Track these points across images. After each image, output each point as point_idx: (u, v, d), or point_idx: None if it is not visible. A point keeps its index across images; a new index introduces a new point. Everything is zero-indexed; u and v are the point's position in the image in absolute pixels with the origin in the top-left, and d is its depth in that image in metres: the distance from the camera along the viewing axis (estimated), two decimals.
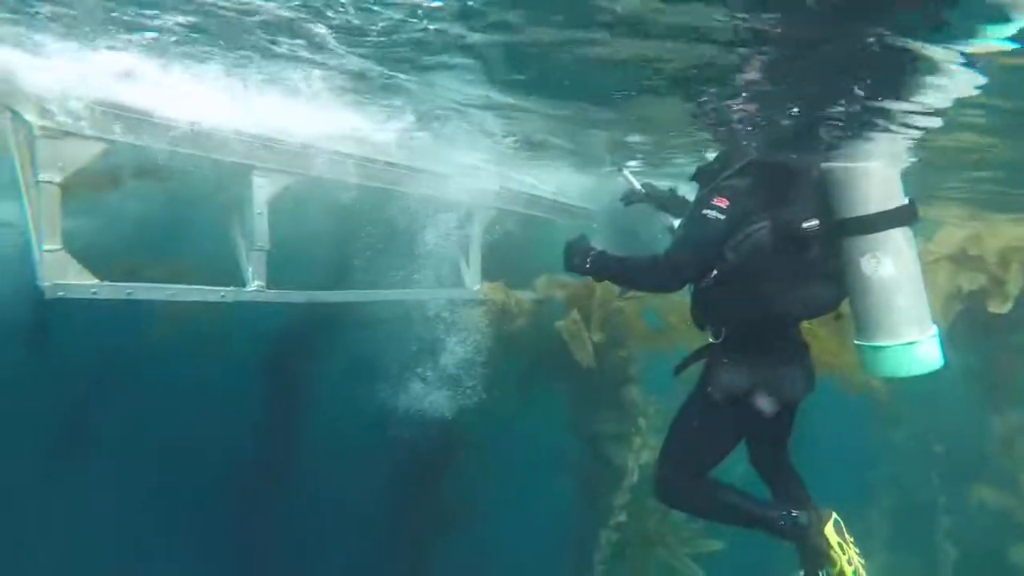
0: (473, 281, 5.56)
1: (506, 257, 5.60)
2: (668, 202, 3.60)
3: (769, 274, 2.72)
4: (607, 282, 3.18)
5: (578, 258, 2.93)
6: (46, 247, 3.08)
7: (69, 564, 6.36)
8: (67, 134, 3.13)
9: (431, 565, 7.30)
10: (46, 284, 3.10)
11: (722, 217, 2.68)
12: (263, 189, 4.05)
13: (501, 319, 5.70)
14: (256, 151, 3.96)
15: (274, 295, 4.19)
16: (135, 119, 3.36)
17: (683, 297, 3.10)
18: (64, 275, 3.14)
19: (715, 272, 2.76)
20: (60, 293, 3.14)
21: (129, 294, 3.43)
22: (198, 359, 6.43)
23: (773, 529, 2.97)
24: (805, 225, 2.64)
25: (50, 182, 3.08)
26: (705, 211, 2.72)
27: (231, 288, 4.00)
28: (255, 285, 4.10)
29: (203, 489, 7.05)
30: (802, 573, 3.06)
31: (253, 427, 7.67)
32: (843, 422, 7.43)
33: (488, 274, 5.57)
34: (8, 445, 5.85)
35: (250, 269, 4.12)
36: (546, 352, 6.34)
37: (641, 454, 6.62)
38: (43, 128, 3.04)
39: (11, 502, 6.04)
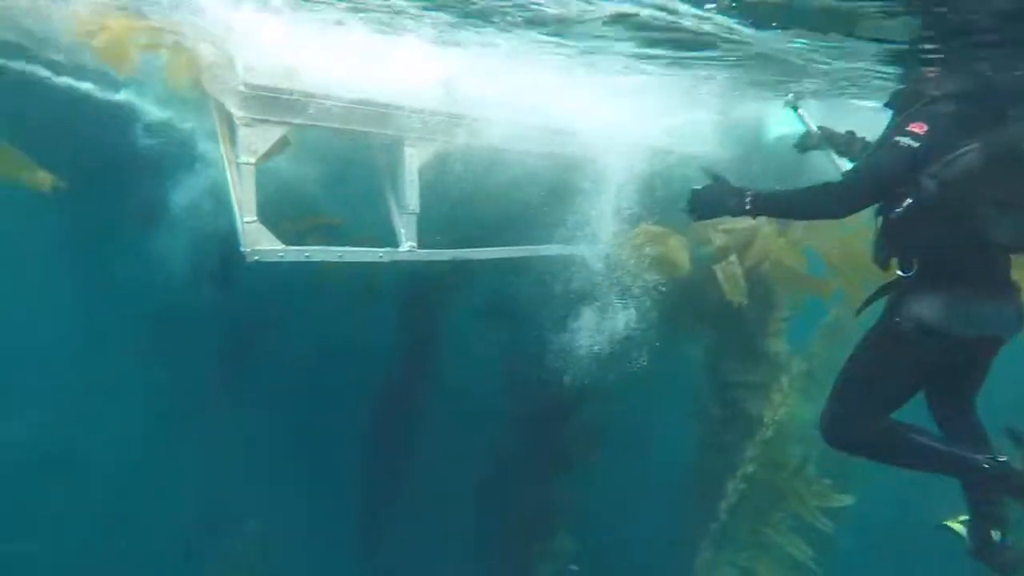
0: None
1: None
2: (848, 146, 3.41)
3: (977, 200, 2.54)
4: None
5: (732, 199, 2.85)
6: (246, 219, 3.68)
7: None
8: (258, 121, 3.67)
9: (555, 502, 7.77)
10: (246, 250, 3.71)
11: (915, 144, 2.57)
12: (414, 158, 4.47)
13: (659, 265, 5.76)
14: (408, 123, 4.36)
15: (424, 254, 4.66)
16: (304, 102, 3.83)
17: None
18: (259, 242, 3.74)
19: (909, 200, 2.63)
20: (256, 258, 3.75)
21: (307, 257, 4.01)
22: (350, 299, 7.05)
23: (974, 472, 2.77)
24: None
25: (247, 163, 3.65)
26: (897, 137, 2.62)
27: (388, 249, 4.50)
28: (407, 246, 4.58)
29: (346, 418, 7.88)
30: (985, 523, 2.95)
31: (393, 363, 8.39)
32: None
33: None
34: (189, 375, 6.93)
35: (403, 231, 4.60)
36: (693, 296, 6.32)
37: (779, 410, 6.62)
38: (240, 118, 3.58)
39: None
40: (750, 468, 6.70)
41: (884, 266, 2.88)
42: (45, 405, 6.76)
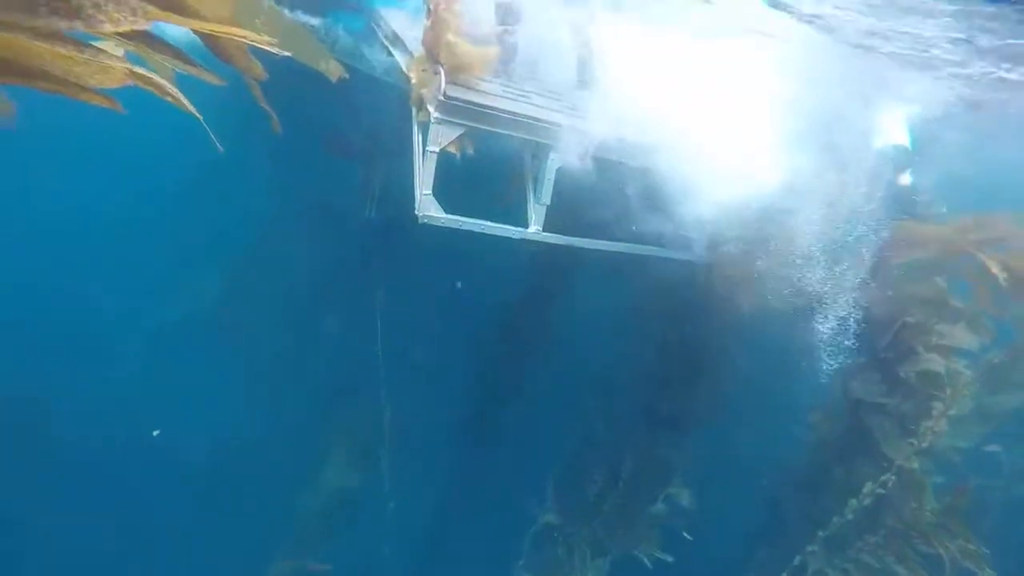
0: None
1: None
2: None
3: None
4: None
5: None
6: (423, 191, 5.01)
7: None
8: (443, 121, 4.94)
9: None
10: (420, 214, 5.05)
11: None
12: (555, 161, 5.62)
13: None
14: (554, 133, 5.50)
15: (548, 236, 5.84)
16: (480, 111, 5.05)
17: None
18: (429, 210, 5.07)
19: None
20: (425, 220, 5.08)
21: (460, 225, 5.30)
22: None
23: None
24: None
25: (432, 151, 4.95)
26: None
27: (520, 228, 5.73)
28: (534, 228, 5.78)
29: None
30: None
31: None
32: None
33: None
34: None
35: (533, 216, 5.79)
36: None
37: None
38: (436, 118, 4.87)
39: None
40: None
41: None
42: None
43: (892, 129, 6.10)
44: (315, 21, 7.57)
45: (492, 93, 5.24)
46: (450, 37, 4.86)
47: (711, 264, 6.97)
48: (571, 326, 9.59)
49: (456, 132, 5.02)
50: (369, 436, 10.29)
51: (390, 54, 6.72)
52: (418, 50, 5.32)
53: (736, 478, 8.98)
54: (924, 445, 6.80)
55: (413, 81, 5.42)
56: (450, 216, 5.23)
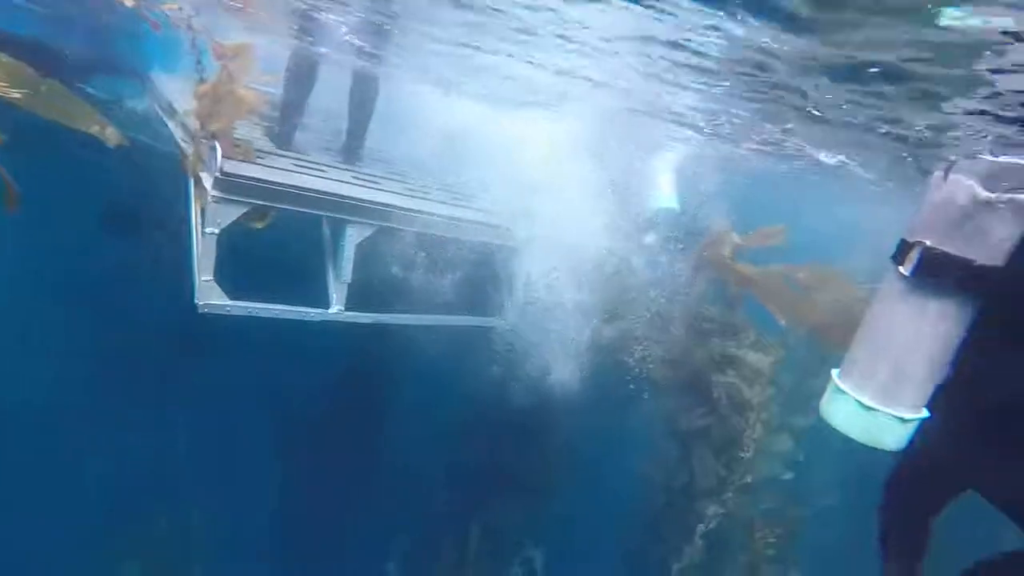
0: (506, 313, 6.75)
1: None
2: None
3: None
4: None
5: None
6: (203, 278, 4.49)
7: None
8: (221, 200, 4.51)
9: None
10: (200, 303, 4.51)
11: None
12: (352, 237, 5.37)
13: None
14: (350, 208, 5.27)
15: (351, 316, 5.52)
16: (273, 190, 4.71)
17: None
18: (210, 298, 4.55)
19: None
20: (207, 310, 4.54)
21: (249, 312, 4.82)
22: None
23: None
24: None
25: (212, 232, 4.48)
26: None
27: (319, 310, 5.35)
28: (336, 308, 5.43)
29: None
30: None
31: None
32: None
33: None
34: None
35: (335, 295, 5.45)
36: None
37: None
38: (213, 196, 4.43)
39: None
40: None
41: None
42: None
43: (663, 190, 6.70)
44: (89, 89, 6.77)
45: (277, 168, 4.92)
46: (238, 90, 4.49)
47: (519, 328, 7.05)
48: (396, 401, 9.22)
49: (238, 211, 4.60)
50: (176, 554, 8.94)
51: (166, 125, 6.15)
52: (191, 121, 4.88)
53: (585, 534, 9.01)
54: (741, 478, 7.26)
55: (189, 155, 4.95)
56: (236, 303, 4.74)
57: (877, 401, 2.23)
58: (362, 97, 6.10)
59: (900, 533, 2.90)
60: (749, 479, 7.30)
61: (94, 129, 5.28)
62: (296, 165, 5.26)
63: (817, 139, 4.14)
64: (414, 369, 8.63)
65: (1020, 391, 2.35)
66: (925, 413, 2.29)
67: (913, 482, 2.84)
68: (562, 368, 6.87)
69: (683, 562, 7.49)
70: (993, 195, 2.04)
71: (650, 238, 6.67)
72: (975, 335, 2.22)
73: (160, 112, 6.35)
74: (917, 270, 2.14)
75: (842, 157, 4.53)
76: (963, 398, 2.49)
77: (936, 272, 2.11)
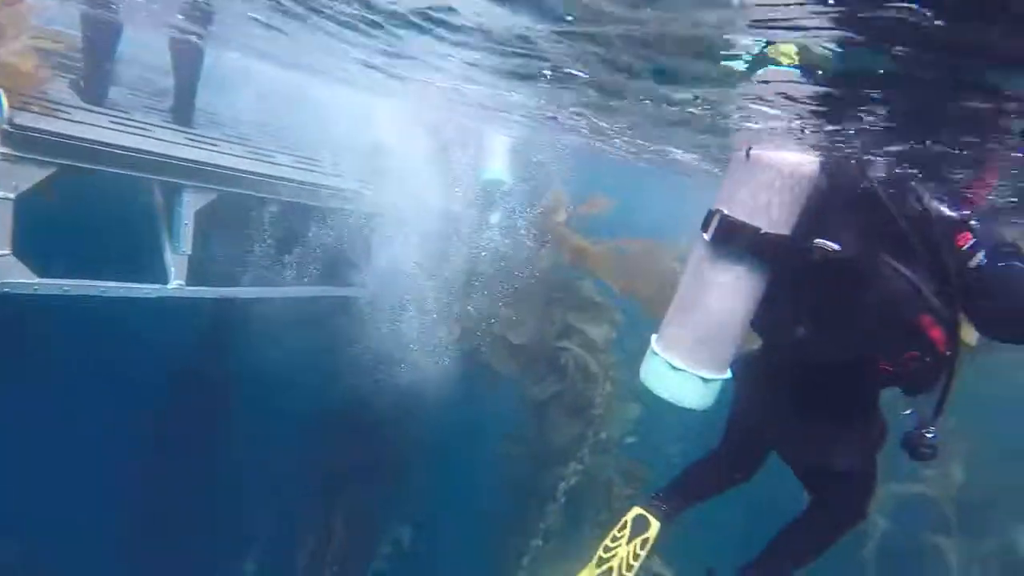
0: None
1: None
2: None
3: None
4: None
5: None
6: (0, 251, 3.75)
7: None
8: (22, 159, 3.79)
9: None
10: None
11: None
12: (191, 203, 4.78)
13: None
14: (186, 172, 4.68)
15: (191, 291, 4.93)
16: (84, 147, 4.03)
17: None
18: (10, 274, 3.82)
19: None
20: (6, 289, 3.81)
21: (65, 290, 4.12)
22: None
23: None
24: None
25: (5, 198, 3.75)
26: None
27: (157, 285, 4.72)
28: (175, 283, 4.83)
29: None
30: None
31: None
32: None
33: None
34: None
35: (173, 269, 4.84)
36: None
37: None
38: (3, 154, 3.69)
39: None
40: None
41: None
42: None
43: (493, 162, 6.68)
44: None
45: (89, 123, 4.21)
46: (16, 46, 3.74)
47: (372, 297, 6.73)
48: (248, 383, 8.50)
49: (42, 173, 3.89)
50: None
51: None
52: None
53: (452, 507, 8.94)
54: (596, 435, 7.54)
55: None
56: (46, 281, 4.03)
57: (684, 362, 2.35)
58: (186, 49, 5.40)
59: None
60: (604, 435, 7.61)
61: None
62: (113, 123, 4.55)
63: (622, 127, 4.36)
64: (262, 352, 8.05)
65: (802, 360, 2.58)
66: (727, 374, 2.44)
67: (729, 441, 3.12)
68: (418, 339, 6.69)
69: (548, 521, 7.67)
70: (782, 174, 2.23)
71: (483, 209, 6.67)
72: (769, 306, 2.40)
73: None
74: (714, 235, 2.29)
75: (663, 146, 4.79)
76: (760, 365, 2.77)
77: (728, 238, 2.26)
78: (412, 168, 6.05)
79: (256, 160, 5.37)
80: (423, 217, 6.19)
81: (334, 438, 8.32)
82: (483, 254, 6.73)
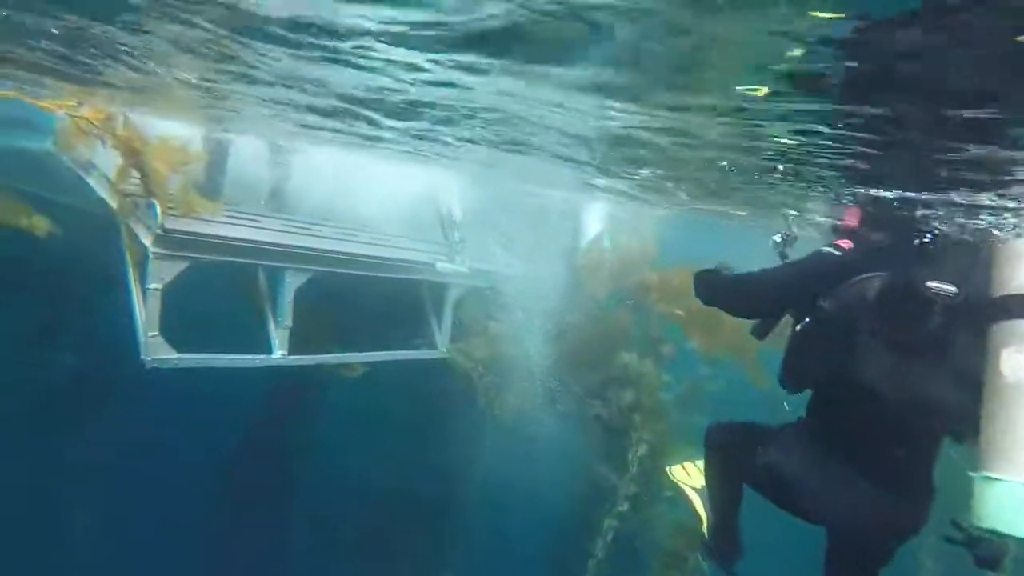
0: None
1: None
2: None
3: (857, 329, 2.33)
4: None
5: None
6: (149, 333, 4.50)
7: None
8: (163, 256, 4.57)
9: None
10: (147, 358, 4.51)
11: (837, 254, 2.44)
12: (291, 283, 5.52)
13: None
14: (288, 256, 5.43)
15: (294, 359, 5.62)
16: (214, 243, 4.81)
17: None
18: (159, 353, 4.56)
19: (807, 319, 2.47)
20: (155, 365, 4.54)
21: (197, 364, 4.85)
22: None
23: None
24: (931, 285, 2.22)
25: (155, 288, 4.51)
26: (823, 247, 2.49)
27: (262, 356, 5.42)
28: (279, 353, 5.53)
29: None
30: None
31: None
32: None
33: None
34: None
35: (276, 340, 5.55)
36: None
37: None
38: (156, 253, 4.47)
39: None
40: None
41: (785, 388, 2.64)
42: None
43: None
44: None
45: (215, 221, 5.00)
46: (158, 166, 4.57)
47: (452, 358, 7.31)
48: (331, 444, 9.10)
49: (180, 267, 4.66)
50: None
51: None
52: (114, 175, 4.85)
53: (508, 548, 9.21)
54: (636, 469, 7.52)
55: (115, 208, 4.89)
56: (184, 356, 4.76)
57: None
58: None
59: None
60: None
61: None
62: (230, 216, 5.35)
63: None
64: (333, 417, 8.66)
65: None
66: None
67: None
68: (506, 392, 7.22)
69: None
70: None
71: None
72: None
73: (72, 165, 6.17)
74: None
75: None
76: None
77: None
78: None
79: (342, 240, 6.10)
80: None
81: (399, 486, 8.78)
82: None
